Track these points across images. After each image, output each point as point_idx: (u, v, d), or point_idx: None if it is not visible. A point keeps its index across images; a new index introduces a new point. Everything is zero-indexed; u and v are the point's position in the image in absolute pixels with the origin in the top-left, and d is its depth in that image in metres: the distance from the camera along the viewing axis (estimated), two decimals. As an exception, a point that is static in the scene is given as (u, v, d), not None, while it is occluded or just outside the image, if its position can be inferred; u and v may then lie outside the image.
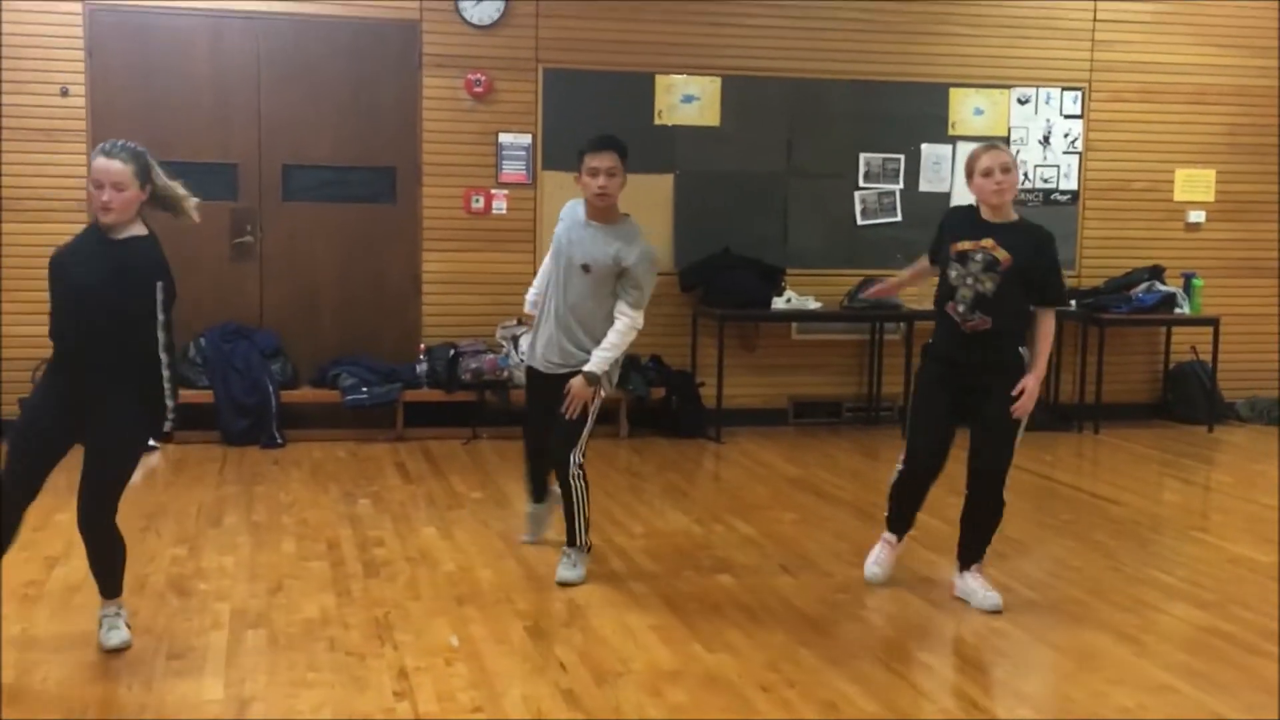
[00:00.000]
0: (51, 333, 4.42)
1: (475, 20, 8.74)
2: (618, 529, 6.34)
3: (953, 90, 9.55)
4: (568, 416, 5.38)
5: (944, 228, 5.40)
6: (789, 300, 8.94)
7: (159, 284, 4.41)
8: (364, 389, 8.36)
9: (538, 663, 4.50)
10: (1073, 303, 9.44)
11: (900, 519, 5.56)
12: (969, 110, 9.59)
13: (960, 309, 5.14)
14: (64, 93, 8.26)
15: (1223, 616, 5.16)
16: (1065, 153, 9.76)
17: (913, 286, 6.48)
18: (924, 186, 9.53)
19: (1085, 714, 4.17)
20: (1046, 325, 5.22)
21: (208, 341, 8.33)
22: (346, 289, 8.75)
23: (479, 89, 8.76)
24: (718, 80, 9.17)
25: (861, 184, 9.41)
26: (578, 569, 5.45)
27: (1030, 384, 5.13)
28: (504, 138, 8.83)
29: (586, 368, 5.38)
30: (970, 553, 5.36)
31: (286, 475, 7.46)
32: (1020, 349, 5.21)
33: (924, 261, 5.62)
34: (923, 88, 9.48)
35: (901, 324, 9.25)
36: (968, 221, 5.29)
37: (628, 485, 7.40)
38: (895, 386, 9.22)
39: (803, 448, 8.64)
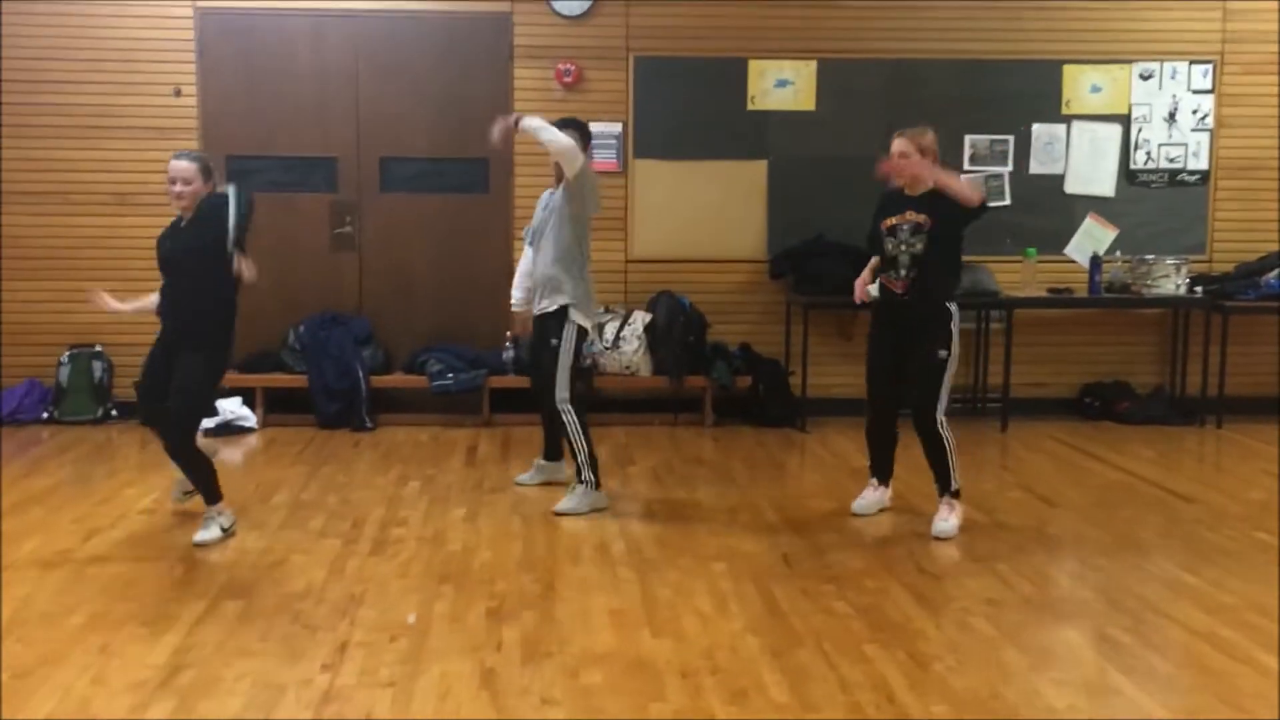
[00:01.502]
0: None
1: (565, 11, 8.84)
2: (642, 515, 6.35)
3: (1067, 67, 9.14)
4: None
5: (878, 209, 6.29)
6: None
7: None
8: (450, 375, 8.58)
9: (477, 642, 4.56)
10: (1198, 289, 8.93)
11: (875, 463, 6.47)
12: (1085, 87, 9.16)
13: (901, 273, 6.05)
14: (176, 93, 8.74)
15: (1228, 622, 4.81)
16: (1194, 130, 9.22)
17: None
18: (1035, 169, 9.16)
19: (1005, 714, 3.98)
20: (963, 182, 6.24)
21: (305, 329, 8.69)
22: (440, 277, 8.99)
23: (569, 79, 8.86)
24: (813, 64, 9.02)
25: (967, 167, 9.10)
26: (572, 499, 6.34)
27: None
28: (595, 127, 8.73)
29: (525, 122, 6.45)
30: (939, 485, 6.13)
31: (359, 457, 7.74)
32: (947, 304, 6.03)
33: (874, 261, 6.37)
34: (1033, 65, 9.11)
35: (1002, 312, 8.91)
36: (894, 200, 6.18)
37: (683, 473, 7.38)
38: (999, 377, 8.89)
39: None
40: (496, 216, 8.95)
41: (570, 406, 6.32)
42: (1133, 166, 9.24)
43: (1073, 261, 9.14)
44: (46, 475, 7.18)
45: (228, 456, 7.85)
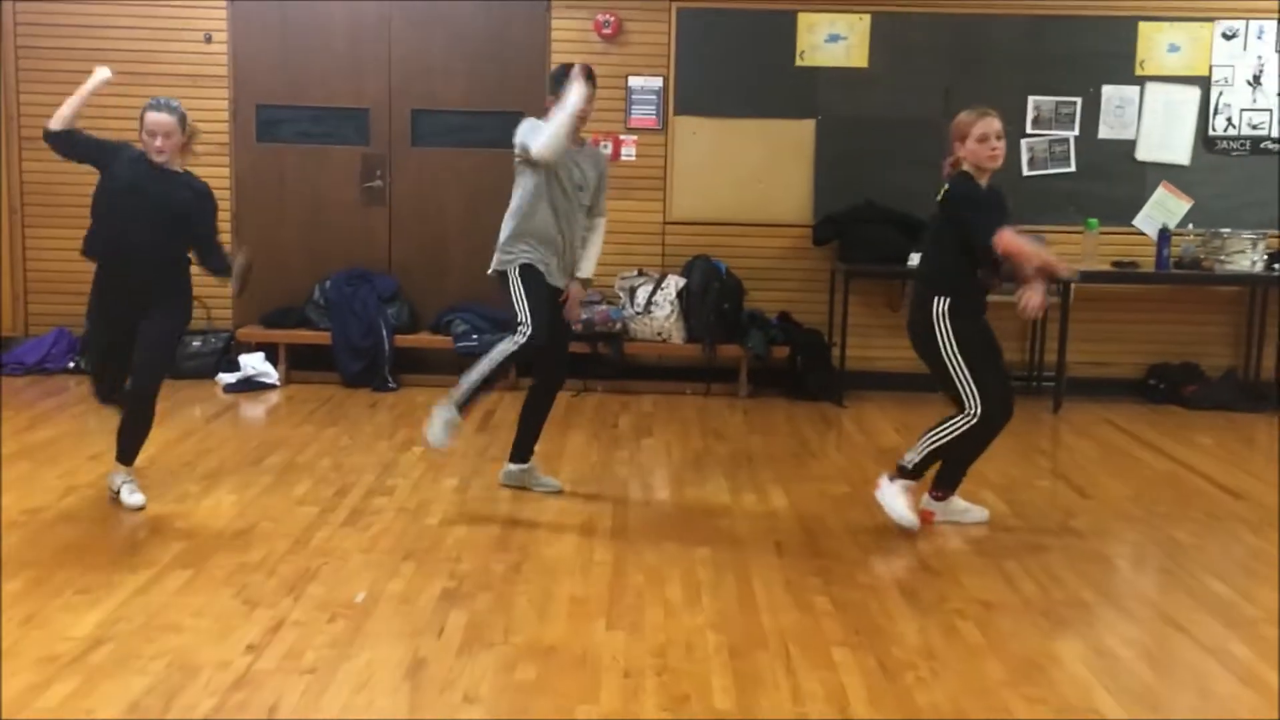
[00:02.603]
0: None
1: (606, -41, 8.47)
2: (641, 491, 6.03)
3: (1142, 24, 8.55)
4: (574, 317, 5.97)
5: (988, 203, 5.25)
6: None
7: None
8: (475, 336, 8.31)
9: (419, 626, 4.28)
10: (1277, 266, 8.32)
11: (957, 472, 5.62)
12: (1161, 47, 8.55)
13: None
14: (207, 39, 8.55)
15: (1245, 637, 4.35)
16: (1280, 95, 8.58)
17: None
18: (1104, 133, 8.60)
19: (964, 736, 3.60)
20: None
21: (331, 285, 8.48)
22: (473, 235, 8.68)
23: (608, 30, 8.49)
24: (867, 18, 8.54)
25: (1029, 130, 8.57)
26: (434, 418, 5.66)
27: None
28: (634, 81, 8.53)
29: (581, 273, 5.90)
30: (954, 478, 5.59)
31: (371, 419, 7.52)
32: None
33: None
34: (1106, 22, 8.54)
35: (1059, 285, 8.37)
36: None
37: (701, 447, 7.03)
38: (1055, 355, 8.37)
39: (930, 416, 7.88)
40: (531, 173, 8.61)
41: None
42: (1211, 133, 8.62)
43: (1140, 234, 8.57)
44: (52, 427, 7.06)
45: (243, 413, 7.71)
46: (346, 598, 4.53)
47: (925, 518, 5.53)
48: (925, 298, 5.36)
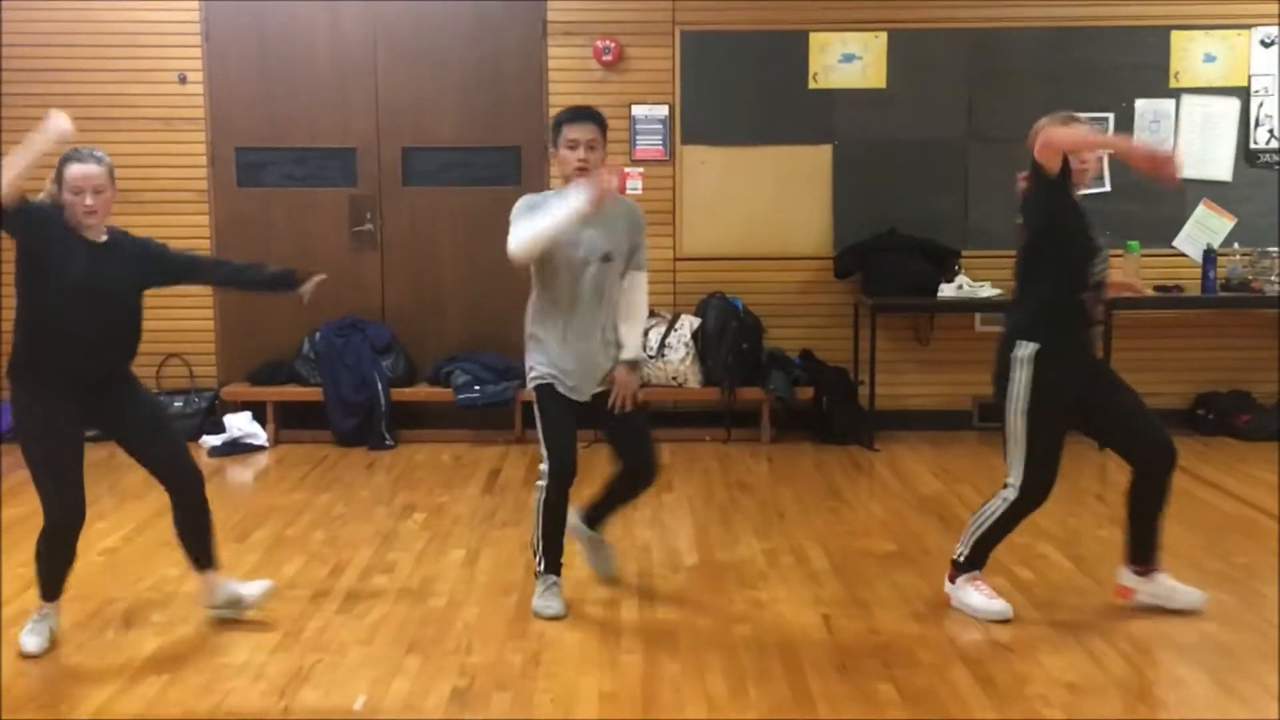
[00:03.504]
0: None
1: (604, -19, 7.98)
2: (667, 557, 5.47)
3: (1175, 34, 8.06)
4: (627, 408, 4.82)
5: (1076, 210, 4.58)
6: (960, 286, 7.73)
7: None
8: (476, 387, 7.77)
9: (430, 738, 3.73)
10: (1330, 286, 7.80)
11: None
12: (1197, 57, 8.06)
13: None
14: (181, 79, 8.04)
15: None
16: (1325, 105, 8.07)
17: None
18: (1139, 150, 8.05)
19: None
20: None
21: (321, 336, 7.94)
22: (471, 278, 8.17)
23: (608, 57, 7.98)
24: (883, 36, 8.04)
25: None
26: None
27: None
28: (637, 110, 8.01)
29: (626, 355, 4.83)
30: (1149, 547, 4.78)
31: (368, 481, 6.97)
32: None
33: None
34: (1137, 33, 8.04)
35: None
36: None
37: (727, 501, 6.48)
38: (1097, 386, 7.83)
39: (967, 458, 7.47)
40: (531, 211, 8.09)
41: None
42: (1253, 146, 8.11)
43: (1183, 255, 8.05)
44: (20, 504, 6.48)
45: (229, 479, 7.16)
46: (344, 704, 3.98)
47: (1121, 594, 4.80)
48: (1008, 342, 4.67)
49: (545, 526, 4.77)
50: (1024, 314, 4.65)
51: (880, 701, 3.96)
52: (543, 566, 4.82)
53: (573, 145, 4.64)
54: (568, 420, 4.79)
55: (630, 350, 4.83)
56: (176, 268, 4.69)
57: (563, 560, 4.86)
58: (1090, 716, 3.84)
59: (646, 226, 4.99)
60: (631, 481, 4.95)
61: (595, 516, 5.06)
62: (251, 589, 4.70)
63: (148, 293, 4.51)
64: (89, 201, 4.28)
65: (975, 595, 4.71)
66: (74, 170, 4.28)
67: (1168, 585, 4.75)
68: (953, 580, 4.78)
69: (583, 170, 4.63)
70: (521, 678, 4.17)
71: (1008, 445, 4.67)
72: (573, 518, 4.98)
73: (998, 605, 4.67)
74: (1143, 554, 4.76)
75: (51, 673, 4.23)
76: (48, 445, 4.32)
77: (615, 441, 4.93)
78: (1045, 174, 4.47)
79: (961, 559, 4.75)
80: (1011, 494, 4.65)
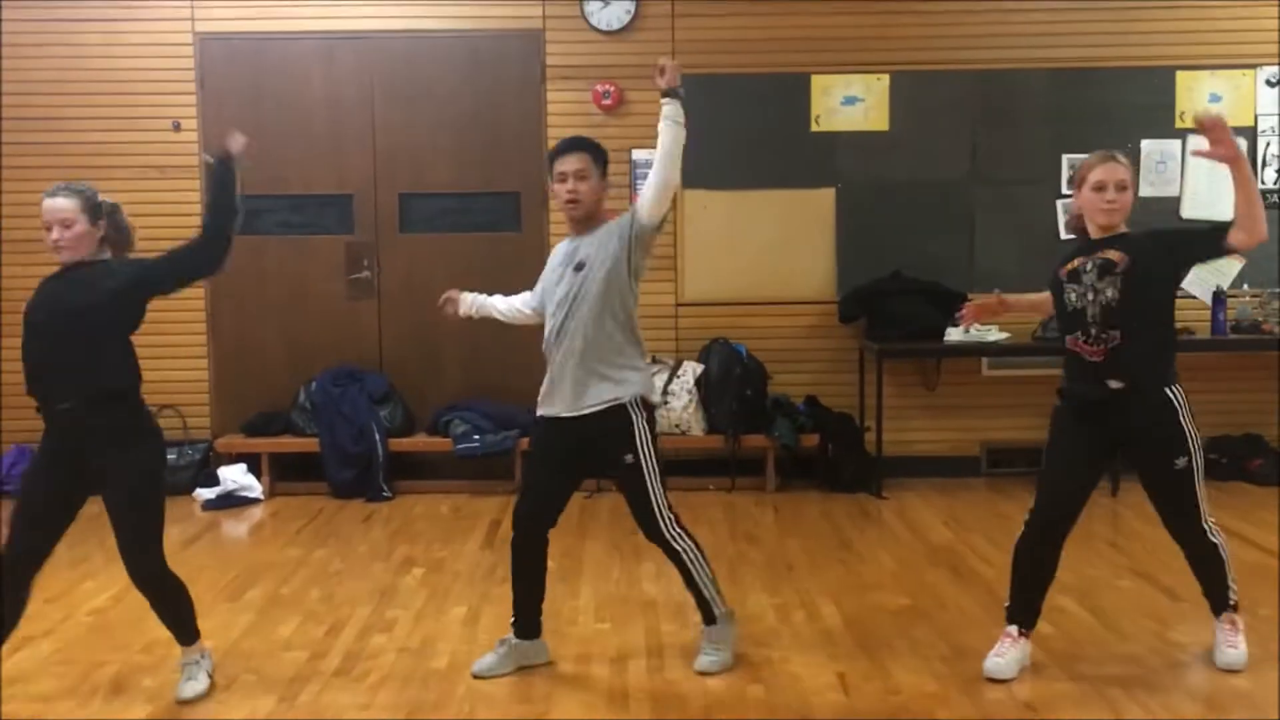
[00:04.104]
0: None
1: (603, 25, 7.89)
2: (674, 613, 5.29)
3: (1180, 74, 7.98)
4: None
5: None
6: (967, 331, 7.59)
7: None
8: (476, 437, 7.62)
9: (430, 813, 3.55)
10: (1336, 323, 7.68)
11: (1020, 598, 4.61)
12: (1203, 96, 7.97)
13: (1092, 332, 4.39)
14: (176, 127, 7.94)
15: None
16: (1332, 144, 7.98)
17: (1026, 314, 5.14)
18: (1146, 190, 7.91)
19: None
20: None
21: (318, 386, 7.79)
22: (471, 327, 7.85)
23: (608, 101, 7.89)
24: (885, 77, 7.95)
25: (1066, 190, 7.93)
26: (720, 652, 4.60)
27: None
28: (638, 154, 7.89)
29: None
30: (1212, 601, 4.68)
31: (365, 536, 6.80)
32: (1167, 388, 4.46)
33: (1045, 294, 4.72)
34: (1142, 73, 7.96)
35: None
36: (1077, 245, 4.58)
37: (734, 553, 6.32)
38: (1108, 431, 7.69)
39: (977, 504, 7.32)
40: (530, 256, 7.90)
41: (683, 530, 4.67)
42: (1261, 186, 8.01)
43: (1193, 298, 7.93)
44: (7, 561, 6.31)
45: (223, 533, 7.00)
46: (342, 774, 3.81)
47: None
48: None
49: (512, 572, 4.63)
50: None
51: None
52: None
53: (561, 178, 4.50)
54: (544, 461, 4.61)
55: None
56: (125, 281, 4.25)
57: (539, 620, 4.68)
58: (1122, 782, 3.67)
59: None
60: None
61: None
62: (185, 690, 4.40)
63: (138, 338, 4.32)
64: (54, 236, 4.20)
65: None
66: (44, 205, 4.23)
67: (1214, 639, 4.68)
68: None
69: (572, 203, 4.48)
70: (528, 745, 4.01)
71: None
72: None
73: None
74: (1217, 604, 4.70)
75: (37, 743, 4.07)
76: (25, 478, 4.40)
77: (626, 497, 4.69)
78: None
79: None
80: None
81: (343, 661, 4.78)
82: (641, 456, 4.47)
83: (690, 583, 4.62)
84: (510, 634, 4.66)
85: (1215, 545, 4.57)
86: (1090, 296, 4.38)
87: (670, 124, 4.47)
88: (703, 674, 4.52)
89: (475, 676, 4.54)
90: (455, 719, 4.21)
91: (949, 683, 4.48)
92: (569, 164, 4.49)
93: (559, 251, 4.69)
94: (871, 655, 4.78)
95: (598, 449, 4.54)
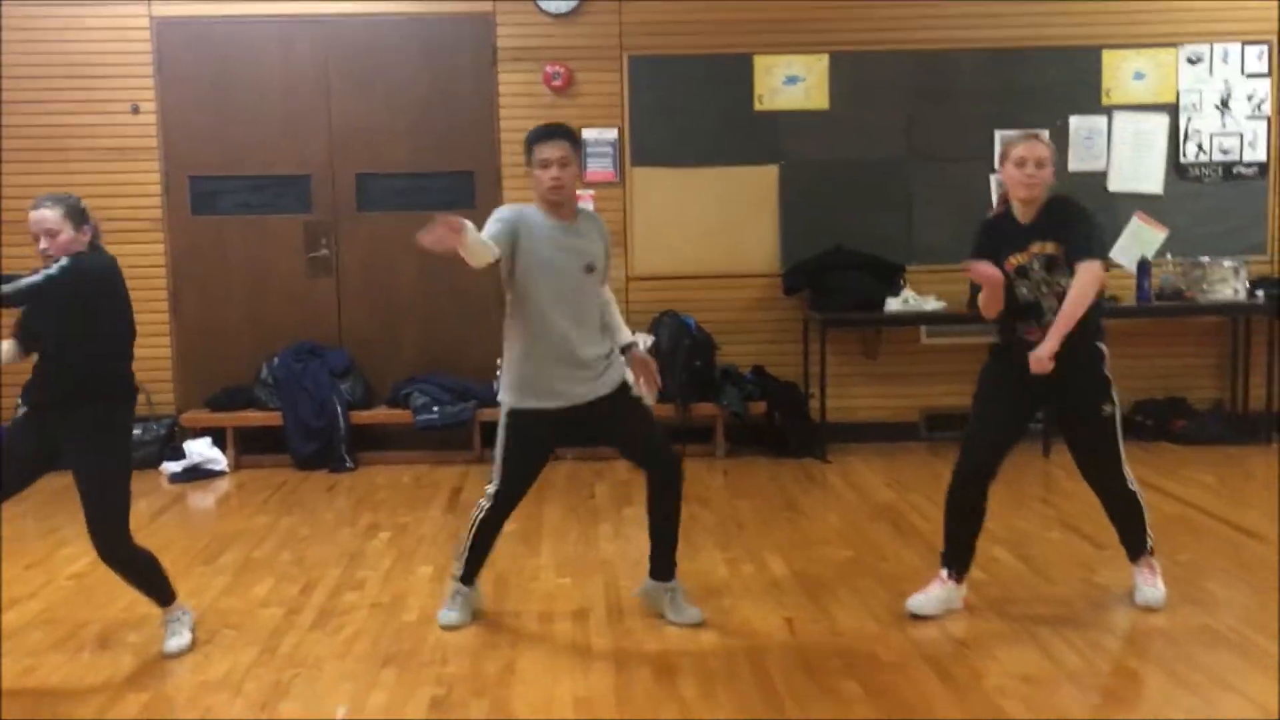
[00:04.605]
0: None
1: (552, 9, 8.13)
2: (631, 569, 5.58)
3: (1106, 53, 8.33)
4: (651, 399, 4.91)
5: (985, 248, 4.81)
6: (906, 301, 7.94)
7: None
8: (435, 408, 7.87)
9: (412, 745, 3.83)
10: (1259, 293, 8.08)
11: (953, 543, 4.93)
12: (1127, 75, 8.34)
13: (1046, 319, 4.72)
14: (134, 110, 8.10)
15: (1313, 699, 4.01)
16: (1250, 118, 8.37)
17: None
18: (1075, 165, 8.32)
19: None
20: (1076, 281, 4.63)
21: (280, 361, 8.01)
22: (428, 302, 8.28)
23: (558, 82, 8.14)
24: (825, 58, 8.26)
25: (999, 165, 8.26)
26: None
27: (1044, 349, 4.63)
28: (588, 133, 8.15)
29: (626, 339, 4.91)
30: (1130, 547, 5.03)
31: (330, 504, 7.04)
32: (1098, 342, 4.88)
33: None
34: (1069, 52, 8.32)
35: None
36: (1005, 233, 4.81)
37: (686, 515, 6.40)
38: (1040, 395, 8.06)
39: (918, 467, 7.66)
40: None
41: None
42: (1183, 160, 8.40)
43: (1118, 266, 8.30)
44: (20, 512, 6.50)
45: (191, 504, 7.21)
46: (326, 715, 4.07)
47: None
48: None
49: (476, 542, 4.89)
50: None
51: (846, 699, 4.11)
52: (460, 574, 4.93)
53: (545, 164, 4.64)
54: (535, 447, 4.84)
55: (625, 336, 4.90)
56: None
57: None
58: (1046, 706, 4.00)
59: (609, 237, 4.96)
60: (662, 490, 4.91)
61: (660, 561, 4.97)
62: (170, 645, 4.65)
63: None
64: (43, 245, 4.45)
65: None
66: (31, 217, 4.46)
67: (1133, 580, 5.03)
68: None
69: (557, 188, 4.65)
70: (498, 685, 4.28)
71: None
72: (644, 592, 5.02)
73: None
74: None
75: (33, 694, 4.29)
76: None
77: (628, 448, 5.00)
78: None
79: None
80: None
81: (318, 617, 5.04)
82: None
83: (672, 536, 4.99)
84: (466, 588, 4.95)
85: (1134, 493, 4.93)
86: (1044, 289, 4.71)
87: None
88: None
89: (443, 625, 4.81)
90: (429, 664, 4.48)
91: (888, 624, 4.81)
92: (553, 151, 4.63)
93: (540, 226, 4.67)
94: (817, 602, 5.10)
95: (603, 427, 4.93)
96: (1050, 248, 4.68)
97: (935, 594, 4.89)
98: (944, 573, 4.93)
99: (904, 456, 7.99)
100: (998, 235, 4.82)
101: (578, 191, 5.00)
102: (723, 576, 5.49)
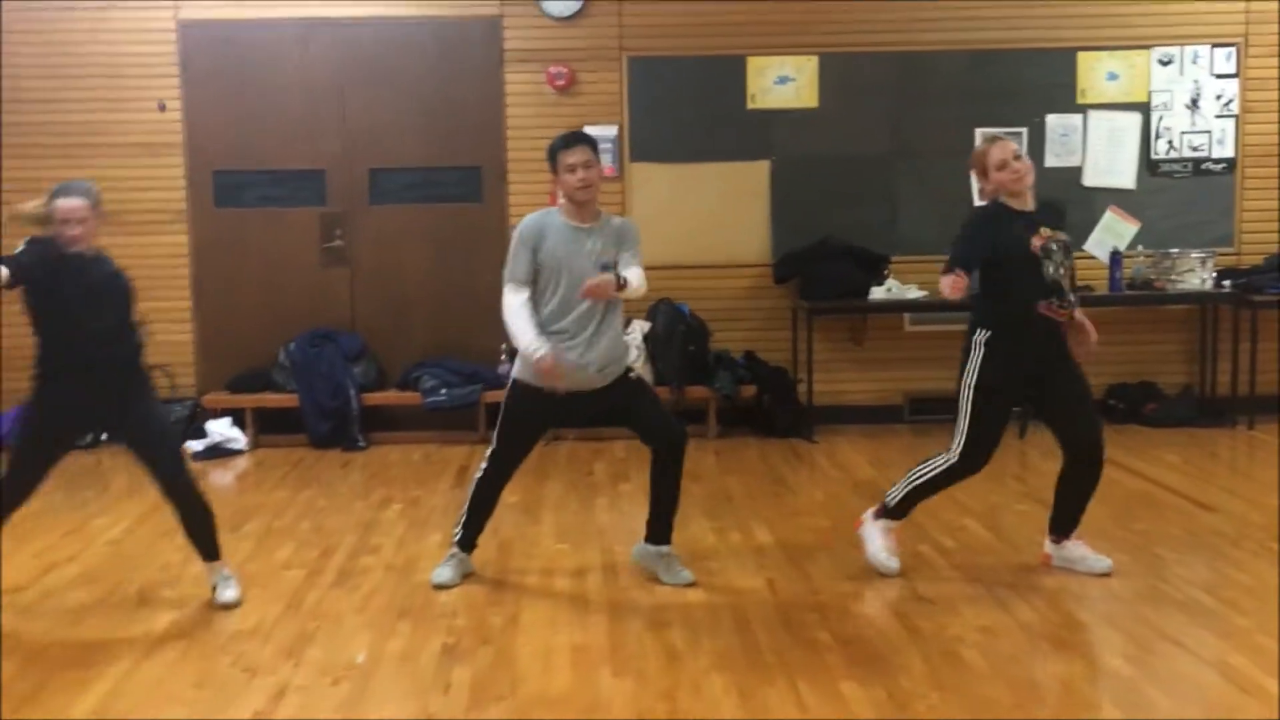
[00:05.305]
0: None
1: (555, 13, 8.56)
2: (626, 536, 6.02)
3: (1081, 54, 8.75)
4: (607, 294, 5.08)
5: (987, 232, 5.06)
6: (889, 290, 8.37)
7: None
8: (443, 390, 8.31)
9: (425, 684, 4.26)
10: (1226, 284, 8.50)
11: (911, 506, 5.44)
12: (1101, 75, 8.77)
13: (1069, 299, 5.08)
14: (161, 107, 8.53)
15: (1240, 646, 4.44)
16: (1218, 117, 8.79)
17: None
18: (1051, 161, 8.75)
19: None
20: None
21: (296, 346, 8.45)
22: (436, 290, 8.72)
23: (561, 82, 8.57)
24: (814, 59, 8.68)
25: (975, 178, 8.66)
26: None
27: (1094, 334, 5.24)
28: (589, 131, 8.51)
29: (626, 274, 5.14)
30: (1068, 521, 5.38)
31: (345, 479, 7.49)
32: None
33: (960, 277, 4.92)
34: (1046, 54, 8.74)
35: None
36: (1013, 219, 5.07)
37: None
38: (1017, 380, 8.49)
39: (901, 448, 8.09)
40: (491, 225, 8.65)
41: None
42: (1154, 157, 8.82)
43: (1093, 258, 8.73)
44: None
45: (214, 480, 7.65)
46: (347, 659, 4.51)
47: (1044, 561, 5.42)
48: (971, 325, 5.20)
49: (475, 503, 5.37)
50: (977, 307, 5.24)
51: (819, 647, 4.54)
52: (459, 538, 5.40)
53: (571, 169, 5.05)
54: (534, 419, 5.31)
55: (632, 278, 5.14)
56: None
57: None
58: (999, 653, 4.44)
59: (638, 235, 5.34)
60: (668, 461, 5.27)
61: (657, 526, 5.36)
62: (225, 595, 5.12)
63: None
64: (72, 230, 4.80)
65: (879, 540, 5.36)
66: (60, 205, 4.80)
67: (1079, 552, 5.38)
68: (875, 518, 5.40)
69: (585, 188, 5.07)
70: (502, 635, 4.72)
71: (957, 419, 5.20)
72: (639, 553, 5.44)
73: (891, 563, 5.33)
74: (1062, 526, 5.39)
75: (77, 645, 4.72)
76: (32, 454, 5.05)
77: (636, 426, 5.36)
78: None
79: (891, 503, 5.36)
80: (953, 459, 5.23)
81: (337, 577, 5.48)
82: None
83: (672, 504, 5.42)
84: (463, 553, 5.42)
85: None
86: (1065, 270, 5.02)
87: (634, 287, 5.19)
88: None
89: (434, 584, 5.27)
90: (440, 617, 4.92)
91: (863, 584, 5.25)
92: (578, 156, 5.06)
93: (561, 230, 5.10)
94: (797, 565, 5.54)
95: (611, 410, 5.36)
96: (1060, 234, 5.02)
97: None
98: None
99: (887, 437, 8.42)
100: (1007, 220, 5.03)
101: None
102: (711, 544, 5.93)
